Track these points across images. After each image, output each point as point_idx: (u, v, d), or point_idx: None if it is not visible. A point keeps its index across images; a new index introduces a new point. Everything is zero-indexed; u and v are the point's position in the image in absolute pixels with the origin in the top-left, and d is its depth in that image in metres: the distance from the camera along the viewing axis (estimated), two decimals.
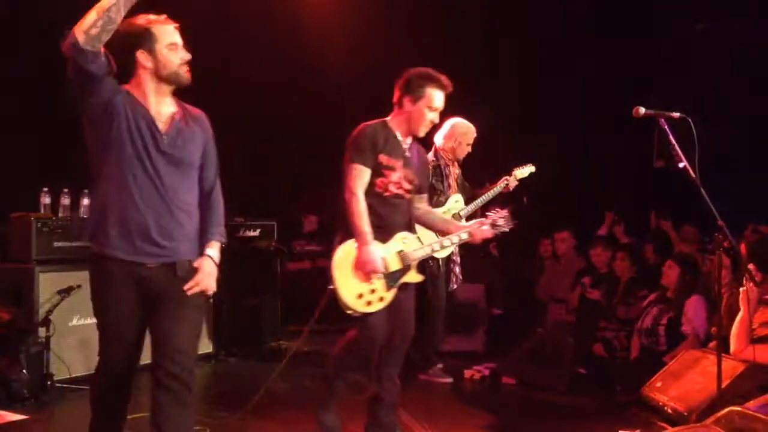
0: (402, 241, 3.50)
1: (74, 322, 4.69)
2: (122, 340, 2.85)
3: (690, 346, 4.52)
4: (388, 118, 3.58)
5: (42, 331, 4.41)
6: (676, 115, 3.26)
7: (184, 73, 2.80)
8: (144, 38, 2.73)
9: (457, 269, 5.03)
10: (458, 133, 4.97)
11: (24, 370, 4.21)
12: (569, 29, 7.15)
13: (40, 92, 5.36)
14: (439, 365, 5.11)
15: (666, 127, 3.24)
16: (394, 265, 3.44)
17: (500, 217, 3.67)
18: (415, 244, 3.53)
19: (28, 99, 5.61)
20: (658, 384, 4.25)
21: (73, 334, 4.66)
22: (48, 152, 5.50)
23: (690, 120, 3.22)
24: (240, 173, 6.09)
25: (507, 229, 3.69)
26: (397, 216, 3.52)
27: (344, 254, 3.39)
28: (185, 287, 2.79)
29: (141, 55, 2.73)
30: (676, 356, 4.41)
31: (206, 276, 2.86)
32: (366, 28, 6.84)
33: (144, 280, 2.77)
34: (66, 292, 4.55)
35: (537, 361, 4.99)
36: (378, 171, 3.43)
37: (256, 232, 6.03)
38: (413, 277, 3.54)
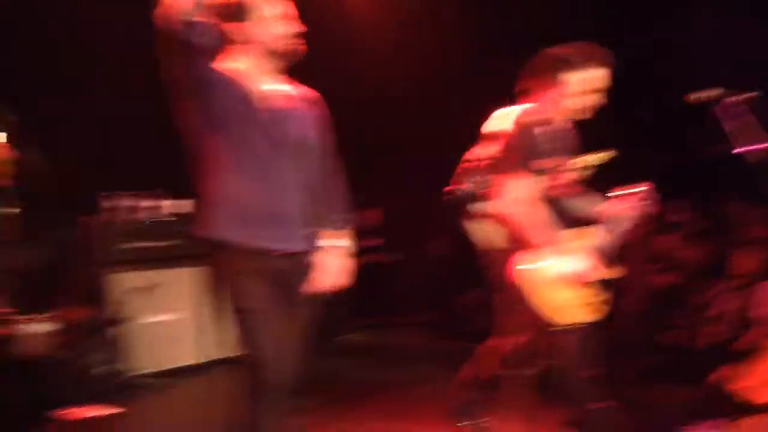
0: (589, 237, 3.07)
1: (145, 319, 4.87)
2: (269, 335, 2.49)
3: (764, 333, 4.39)
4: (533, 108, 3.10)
5: (117, 330, 4.59)
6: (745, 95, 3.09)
7: (289, 47, 2.53)
8: (241, 9, 2.50)
9: None
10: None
11: (103, 367, 4.38)
12: None
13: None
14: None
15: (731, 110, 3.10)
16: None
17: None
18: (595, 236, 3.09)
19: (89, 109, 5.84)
20: (733, 372, 4.15)
21: (145, 331, 4.84)
22: (111, 158, 5.71)
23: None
24: None
25: None
26: (562, 214, 3.11)
27: (534, 272, 2.96)
28: (305, 284, 2.58)
29: (238, 28, 2.50)
30: (747, 343, 4.30)
31: (328, 272, 2.62)
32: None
33: (273, 268, 2.50)
34: (136, 291, 4.73)
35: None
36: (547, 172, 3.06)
37: None
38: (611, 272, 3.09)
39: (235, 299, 2.50)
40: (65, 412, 4.11)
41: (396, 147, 6.45)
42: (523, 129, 3.05)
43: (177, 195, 5.28)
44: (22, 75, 5.72)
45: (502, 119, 4.86)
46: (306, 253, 2.58)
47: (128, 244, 4.93)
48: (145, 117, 6.12)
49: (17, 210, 4.84)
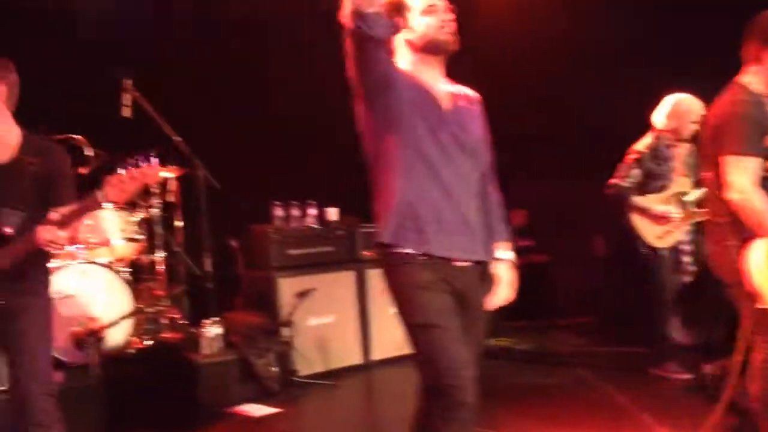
0: None
1: (311, 322, 5.06)
2: (456, 353, 2.28)
3: None
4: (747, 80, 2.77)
5: (285, 331, 4.82)
6: None
7: (447, 38, 2.40)
8: (398, 3, 2.39)
9: (686, 258, 4.67)
10: (681, 111, 4.62)
11: (273, 367, 4.61)
12: None
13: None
14: (674, 361, 4.79)
15: None
16: None
17: None
18: None
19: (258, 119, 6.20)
20: None
21: (311, 333, 5.04)
22: (277, 168, 6.02)
23: None
24: None
25: None
26: None
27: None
28: (486, 299, 2.46)
29: (403, 22, 2.39)
30: None
31: (507, 286, 2.51)
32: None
33: (456, 279, 2.36)
34: (303, 294, 4.93)
35: None
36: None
37: None
38: None
39: (415, 314, 2.30)
40: (236, 410, 4.35)
41: (545, 140, 6.26)
42: (743, 106, 2.69)
43: (335, 203, 5.49)
44: (191, 88, 6.19)
45: (678, 105, 4.61)
46: (486, 264, 2.46)
47: (296, 250, 5.15)
48: (311, 128, 6.45)
49: (182, 223, 5.26)
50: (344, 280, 5.28)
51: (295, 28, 6.47)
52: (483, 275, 2.45)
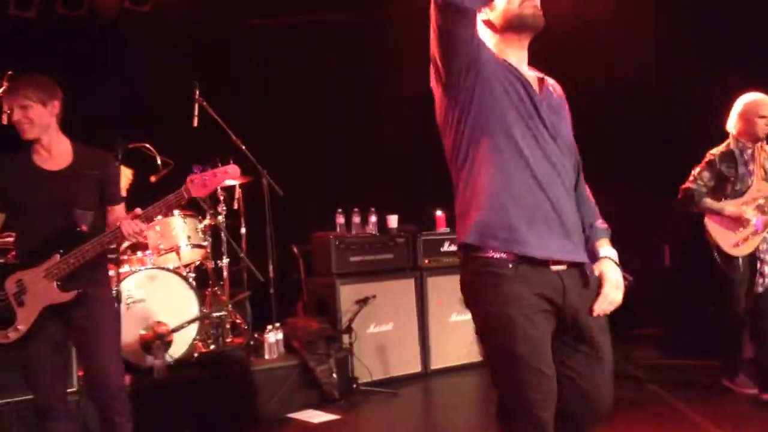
0: None
1: (371, 329, 5.09)
2: (539, 373, 2.01)
3: None
4: None
5: (345, 338, 4.85)
6: None
7: (531, 12, 2.14)
8: None
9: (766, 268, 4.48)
10: (749, 110, 4.44)
11: (333, 374, 4.65)
12: None
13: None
14: (745, 374, 4.60)
15: None
16: None
17: None
18: None
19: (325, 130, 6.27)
20: None
21: (371, 340, 5.06)
22: (339, 176, 6.09)
23: None
24: None
25: None
26: None
27: None
28: (595, 305, 2.12)
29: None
30: None
31: (615, 286, 2.16)
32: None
33: (554, 290, 2.06)
34: (363, 302, 4.96)
35: None
36: None
37: None
38: None
39: (500, 337, 2.03)
40: (296, 416, 4.40)
41: (612, 148, 6.11)
42: None
43: (395, 211, 5.50)
44: (256, 97, 6.33)
45: (745, 104, 4.42)
46: (587, 266, 2.14)
47: (357, 257, 5.20)
48: (373, 137, 6.50)
49: (246, 230, 5.36)
50: (404, 288, 5.29)
51: (355, 39, 6.54)
52: (585, 279, 2.11)
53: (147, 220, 2.92)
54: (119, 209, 3.10)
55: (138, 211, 2.92)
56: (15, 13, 6.09)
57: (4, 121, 4.37)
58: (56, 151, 3.00)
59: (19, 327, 2.87)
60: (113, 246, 3.35)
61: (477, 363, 5.42)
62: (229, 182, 5.28)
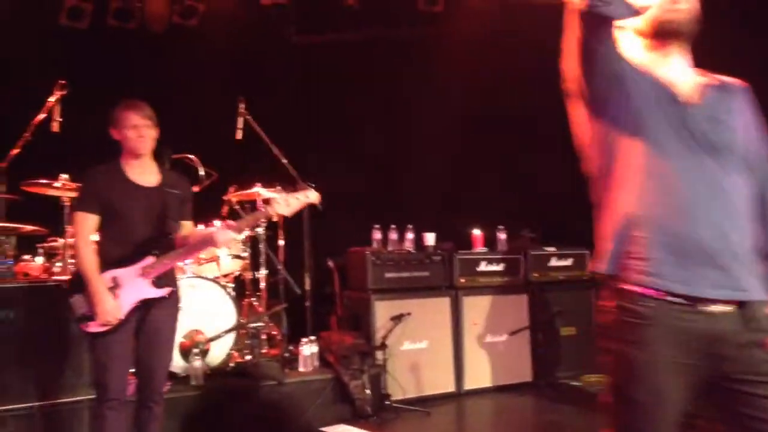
0: None
1: (405, 346, 5.08)
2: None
3: None
4: None
5: (380, 354, 4.85)
6: None
7: (680, 18, 1.91)
8: None
9: None
10: None
11: (367, 390, 4.64)
12: None
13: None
14: None
15: None
16: None
17: None
18: None
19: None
20: None
21: (405, 357, 5.05)
22: (377, 192, 6.12)
23: None
24: (552, 198, 6.08)
25: None
26: None
27: None
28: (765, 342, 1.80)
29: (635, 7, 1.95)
30: None
31: None
32: None
33: (702, 336, 1.76)
34: (398, 318, 4.96)
35: None
36: None
37: (568, 261, 5.95)
38: None
39: (625, 380, 1.80)
40: (329, 430, 4.38)
41: None
42: None
43: (432, 229, 5.50)
44: (299, 111, 6.40)
45: None
46: (758, 306, 1.81)
47: (393, 273, 5.21)
48: (411, 154, 6.53)
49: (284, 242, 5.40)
50: (439, 306, 5.28)
51: (393, 56, 6.59)
52: (749, 320, 1.78)
53: (237, 231, 3.36)
54: (190, 224, 3.51)
55: (231, 222, 3.34)
56: (67, 23, 6.27)
57: (55, 129, 4.52)
58: (148, 169, 3.38)
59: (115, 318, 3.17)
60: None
61: (512, 385, 5.39)
62: (268, 194, 5.34)
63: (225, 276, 5.09)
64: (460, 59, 6.49)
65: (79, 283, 3.20)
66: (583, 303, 5.86)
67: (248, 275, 5.30)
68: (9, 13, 5.76)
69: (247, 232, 5.14)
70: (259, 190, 5.25)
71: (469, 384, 5.27)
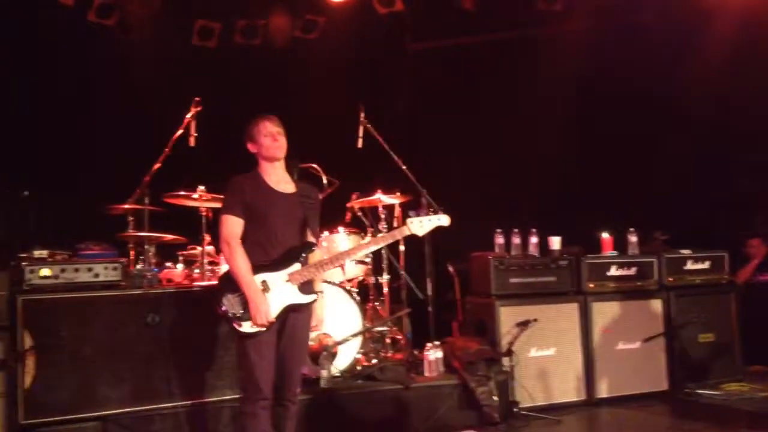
0: None
1: (532, 353, 4.96)
2: None
3: None
4: None
5: (506, 361, 4.76)
6: None
7: None
8: None
9: None
10: None
11: (494, 396, 4.57)
12: None
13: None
14: None
15: None
16: None
17: None
18: None
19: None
20: None
21: (532, 364, 4.94)
22: (500, 196, 6.05)
23: None
24: (685, 199, 5.79)
25: None
26: None
27: None
28: None
29: None
30: None
31: None
32: None
33: None
34: (524, 324, 4.86)
35: None
36: None
37: (705, 264, 5.62)
38: None
39: None
40: None
41: None
42: None
43: (558, 232, 5.36)
44: (416, 117, 6.44)
45: None
46: None
47: (517, 279, 5.11)
48: (535, 157, 6.42)
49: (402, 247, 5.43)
50: (567, 312, 5.13)
51: (510, 57, 6.50)
52: None
53: (376, 244, 3.69)
54: (317, 232, 3.67)
55: (376, 238, 3.69)
56: (198, 43, 6.63)
57: (192, 144, 4.78)
58: (283, 178, 3.58)
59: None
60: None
61: (646, 394, 5.14)
62: (389, 201, 5.40)
63: (349, 281, 5.18)
64: (581, 57, 6.31)
65: (229, 283, 3.36)
66: (722, 308, 5.54)
67: (371, 280, 5.38)
68: (147, 38, 6.17)
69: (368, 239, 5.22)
70: (380, 197, 5.33)
71: (601, 392, 5.08)
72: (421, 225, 3.60)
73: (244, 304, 3.31)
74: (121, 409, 3.96)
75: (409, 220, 3.61)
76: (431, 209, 3.85)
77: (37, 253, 4.06)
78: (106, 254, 4.21)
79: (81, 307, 3.98)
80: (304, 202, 3.54)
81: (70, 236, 4.46)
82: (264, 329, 3.31)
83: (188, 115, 4.79)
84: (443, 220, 3.65)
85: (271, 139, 3.51)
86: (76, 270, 4.04)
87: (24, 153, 5.45)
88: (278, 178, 3.55)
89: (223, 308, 3.33)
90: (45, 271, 3.96)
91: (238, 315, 3.32)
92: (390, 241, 3.77)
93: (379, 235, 3.78)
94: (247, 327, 3.31)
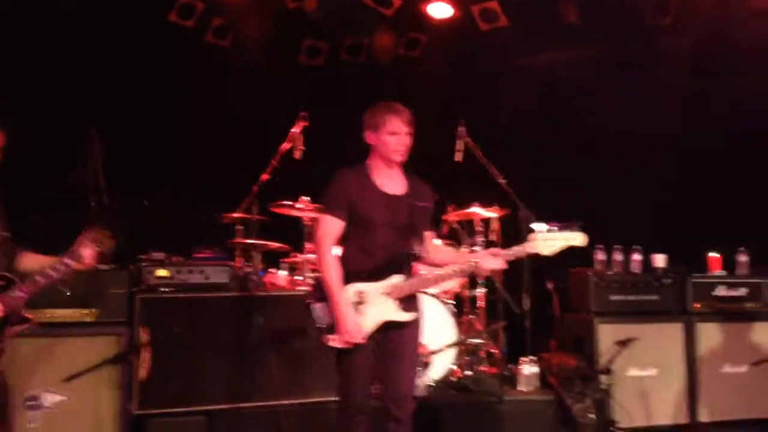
0: None
1: (632, 372, 4.84)
2: None
3: None
4: None
5: (604, 379, 4.66)
6: None
7: None
8: None
9: None
10: None
11: (591, 414, 4.48)
12: None
13: None
14: None
15: None
16: None
17: None
18: None
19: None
20: None
21: (631, 384, 4.81)
22: (601, 210, 5.93)
23: None
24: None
25: None
26: None
27: None
28: None
29: None
30: None
31: None
32: None
33: None
34: (624, 343, 4.75)
35: None
36: None
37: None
38: None
39: None
40: None
41: None
42: None
43: (662, 250, 5.21)
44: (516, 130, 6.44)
45: None
46: None
47: (618, 296, 5.01)
48: (637, 172, 6.27)
49: None
50: (670, 332, 4.98)
51: (610, 74, 6.39)
52: None
53: (503, 260, 3.16)
54: (432, 235, 3.38)
55: (497, 251, 3.18)
56: (305, 61, 6.93)
57: (298, 156, 5.01)
58: (395, 176, 3.23)
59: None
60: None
61: (755, 420, 4.89)
62: (487, 214, 5.42)
63: (445, 293, 5.23)
64: (689, 72, 6.14)
65: (322, 291, 3.11)
66: None
67: (466, 293, 5.40)
68: (257, 55, 6.50)
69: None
70: (478, 210, 5.35)
71: (705, 416, 4.87)
72: (547, 243, 3.01)
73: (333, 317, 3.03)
74: (226, 404, 4.17)
75: (532, 236, 3.02)
76: (564, 224, 3.01)
77: (154, 256, 4.39)
78: (216, 258, 4.48)
79: (193, 306, 4.25)
80: (413, 205, 3.14)
81: (186, 242, 4.78)
82: (353, 346, 3.02)
83: (295, 129, 5.03)
84: (578, 239, 3.01)
85: (395, 138, 3.12)
86: (190, 272, 4.33)
87: (146, 165, 5.85)
88: (389, 177, 3.19)
89: (315, 317, 3.09)
90: (161, 272, 4.27)
91: (326, 327, 3.06)
92: (514, 258, 3.15)
93: (508, 249, 3.14)
94: (334, 341, 3.03)
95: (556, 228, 2.91)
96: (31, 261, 3.16)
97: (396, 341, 3.15)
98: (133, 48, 5.94)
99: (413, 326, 3.23)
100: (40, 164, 5.42)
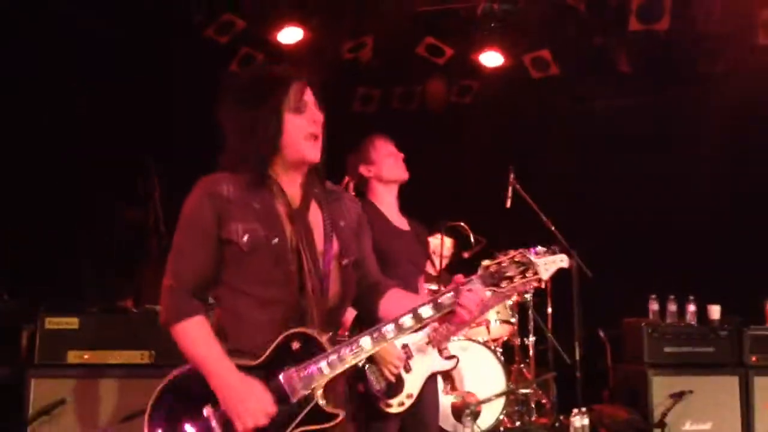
0: None
1: (687, 426, 4.72)
2: None
3: None
4: None
5: None
6: None
7: None
8: None
9: None
10: None
11: None
12: None
13: None
14: None
15: None
16: None
17: None
18: None
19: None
20: None
21: None
22: (655, 260, 5.86)
23: None
24: None
25: None
26: None
27: None
28: None
29: None
30: None
31: None
32: None
33: None
34: (678, 396, 4.64)
35: None
36: None
37: None
38: None
39: None
40: None
41: None
42: None
43: (718, 301, 5.10)
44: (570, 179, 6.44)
45: None
46: None
47: (672, 348, 4.92)
48: (693, 222, 6.18)
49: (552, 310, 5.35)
50: (726, 386, 4.84)
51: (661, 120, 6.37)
52: None
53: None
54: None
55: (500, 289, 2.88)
56: (359, 109, 7.10)
57: None
58: (396, 211, 3.11)
59: (411, 393, 2.73)
60: None
61: None
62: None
63: (494, 340, 5.21)
64: (736, 122, 6.07)
65: None
66: None
67: (516, 341, 5.37)
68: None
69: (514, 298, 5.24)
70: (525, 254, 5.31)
71: None
72: (546, 268, 2.58)
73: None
74: None
75: (536, 264, 2.71)
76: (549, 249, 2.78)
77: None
78: None
79: None
80: (420, 242, 3.02)
81: None
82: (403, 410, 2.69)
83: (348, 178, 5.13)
84: (565, 260, 2.58)
85: (394, 159, 3.05)
86: None
87: None
88: (395, 211, 3.04)
89: (369, 382, 2.64)
90: None
91: (384, 390, 2.65)
92: (518, 291, 2.94)
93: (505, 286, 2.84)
94: (396, 405, 2.66)
95: (543, 251, 2.69)
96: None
97: (424, 390, 2.88)
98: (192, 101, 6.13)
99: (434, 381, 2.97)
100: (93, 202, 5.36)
